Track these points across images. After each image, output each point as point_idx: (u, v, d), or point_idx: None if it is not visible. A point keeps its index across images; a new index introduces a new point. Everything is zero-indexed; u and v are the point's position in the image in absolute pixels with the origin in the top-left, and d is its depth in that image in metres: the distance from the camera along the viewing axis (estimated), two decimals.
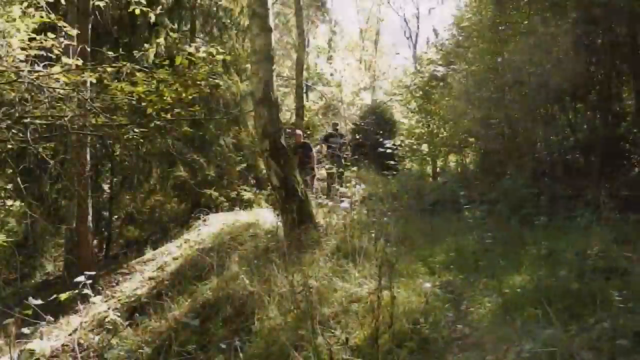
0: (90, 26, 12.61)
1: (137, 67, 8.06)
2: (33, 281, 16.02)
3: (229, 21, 18.26)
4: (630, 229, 7.04)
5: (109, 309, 8.80)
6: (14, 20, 7.28)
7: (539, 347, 3.44)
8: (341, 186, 13.18)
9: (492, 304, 4.60)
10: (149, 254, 13.40)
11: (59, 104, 7.96)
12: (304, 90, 23.90)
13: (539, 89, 12.77)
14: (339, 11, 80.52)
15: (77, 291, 5.21)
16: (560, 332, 3.64)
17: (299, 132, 16.20)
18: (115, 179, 17.32)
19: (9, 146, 8.33)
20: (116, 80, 8.00)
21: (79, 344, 6.83)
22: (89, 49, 11.10)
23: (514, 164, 13.37)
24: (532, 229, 8.89)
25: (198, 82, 8.48)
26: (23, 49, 7.19)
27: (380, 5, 44.20)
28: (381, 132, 25.17)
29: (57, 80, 7.47)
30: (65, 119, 7.76)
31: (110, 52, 8.69)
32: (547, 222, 9.12)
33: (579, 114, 13.75)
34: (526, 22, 14.11)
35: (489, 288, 4.99)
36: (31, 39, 7.34)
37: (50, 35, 7.58)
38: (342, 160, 14.74)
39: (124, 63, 7.96)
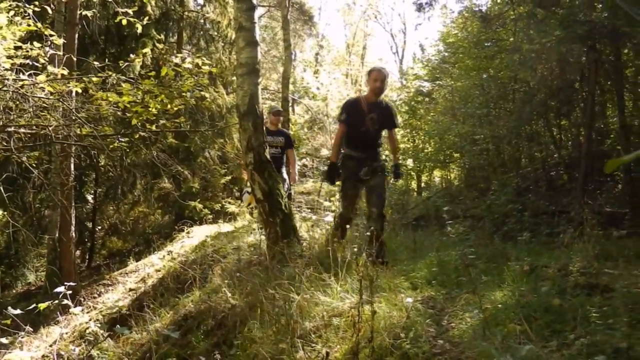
0: (77, 36, 12.60)
1: (123, 77, 8.06)
2: (14, 291, 15.91)
3: (216, 33, 18.32)
4: (613, 246, 7.09)
5: (90, 320, 8.75)
6: (0, 28, 7.26)
7: None
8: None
9: (473, 320, 4.60)
10: (131, 265, 13.35)
11: (43, 113, 7.94)
12: (290, 104, 23.97)
13: (523, 105, 12.89)
14: (326, 25, 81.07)
15: (56, 302, 5.18)
16: (540, 348, 3.65)
17: (279, 109, 10.92)
18: (99, 190, 17.29)
19: None
20: (102, 90, 7.99)
21: (59, 355, 6.76)
22: (75, 59, 11.10)
23: (498, 179, 13.44)
24: (515, 244, 8.93)
25: (184, 94, 8.49)
26: (9, 57, 7.18)
27: (367, 20, 44.51)
28: None
29: (42, 89, 7.46)
30: (50, 128, 7.74)
31: (96, 62, 8.70)
32: (530, 238, 9.17)
33: (564, 131, 13.87)
34: (511, 39, 14.24)
35: (471, 303, 5.00)
36: (17, 48, 7.33)
37: (37, 44, 7.59)
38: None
39: (110, 73, 7.96)
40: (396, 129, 8.00)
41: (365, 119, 7.17)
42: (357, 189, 7.35)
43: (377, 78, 7.21)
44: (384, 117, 7.37)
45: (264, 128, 9.14)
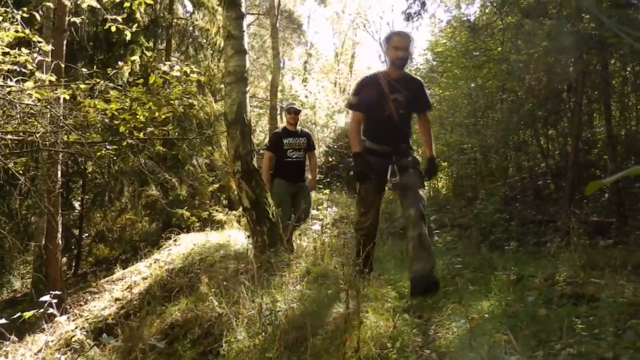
0: (65, 42, 12.54)
1: (112, 84, 8.04)
2: (0, 298, 15.80)
3: (205, 41, 18.26)
4: (599, 255, 7.10)
5: (76, 328, 8.70)
6: None
7: None
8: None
9: (460, 330, 4.60)
10: (118, 273, 13.27)
11: (30, 120, 7.90)
12: (278, 112, 23.91)
13: (511, 114, 12.93)
14: (315, 34, 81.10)
15: (42, 310, 5.15)
16: (526, 358, 3.65)
17: (297, 107, 9.20)
18: (86, 197, 17.19)
19: None
20: (90, 97, 7.96)
21: None
22: (63, 65, 11.05)
23: (486, 189, 13.49)
24: (502, 254, 8.95)
25: (172, 102, 8.47)
26: None
27: (356, 28, 44.53)
28: None
29: (29, 95, 7.41)
30: (37, 135, 7.71)
31: (84, 69, 8.67)
32: (517, 248, 9.20)
33: (551, 140, 13.93)
34: (499, 49, 14.29)
35: (457, 313, 4.99)
36: (5, 54, 7.29)
37: (25, 50, 7.54)
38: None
39: (98, 80, 7.93)
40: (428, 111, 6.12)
41: (387, 102, 5.55)
42: (379, 193, 5.88)
43: (400, 45, 5.47)
44: (412, 96, 5.67)
45: (283, 128, 9.05)
